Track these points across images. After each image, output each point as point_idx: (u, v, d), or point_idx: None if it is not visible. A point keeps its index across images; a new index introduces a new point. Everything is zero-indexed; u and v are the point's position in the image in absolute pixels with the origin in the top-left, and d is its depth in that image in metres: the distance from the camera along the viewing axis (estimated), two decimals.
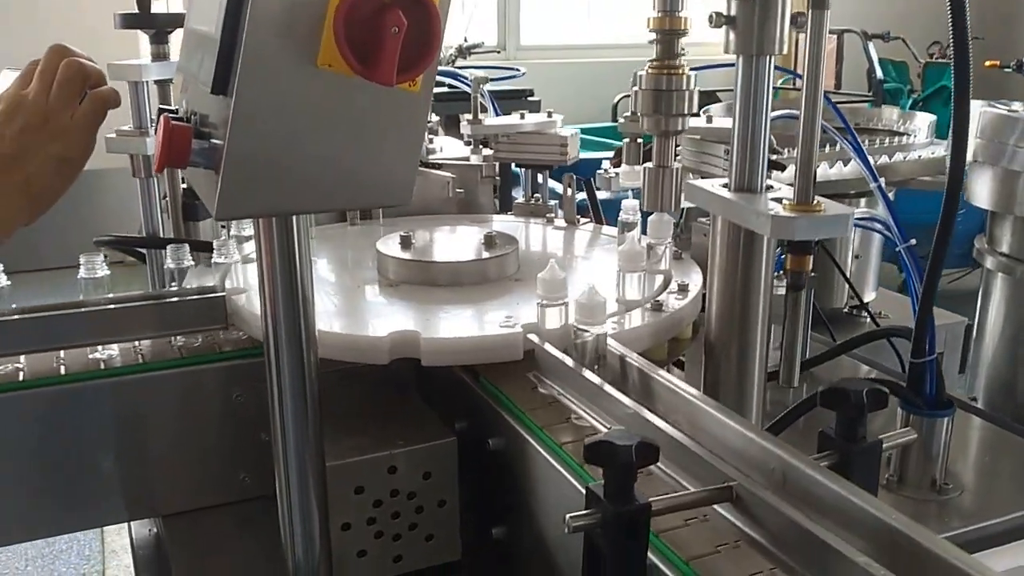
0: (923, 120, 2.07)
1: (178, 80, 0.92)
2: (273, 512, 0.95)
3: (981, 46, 6.27)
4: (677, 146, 1.29)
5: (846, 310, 2.02)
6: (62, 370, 1.15)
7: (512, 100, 4.55)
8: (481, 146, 1.74)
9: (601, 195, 1.69)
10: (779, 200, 1.00)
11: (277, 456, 0.90)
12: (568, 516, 0.72)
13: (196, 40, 0.83)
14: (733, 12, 1.05)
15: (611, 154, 1.77)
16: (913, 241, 1.25)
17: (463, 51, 4.83)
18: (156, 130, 0.74)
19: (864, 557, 0.68)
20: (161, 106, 0.86)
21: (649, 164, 1.28)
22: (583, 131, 5.73)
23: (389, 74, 0.67)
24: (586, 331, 1.05)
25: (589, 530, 0.73)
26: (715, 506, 0.80)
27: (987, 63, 5.49)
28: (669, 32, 1.19)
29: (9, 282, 1.18)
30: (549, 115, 1.66)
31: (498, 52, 6.23)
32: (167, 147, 0.71)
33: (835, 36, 5.95)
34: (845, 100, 5.87)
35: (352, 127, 0.72)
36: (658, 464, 0.85)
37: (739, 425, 0.85)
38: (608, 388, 0.96)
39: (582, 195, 1.67)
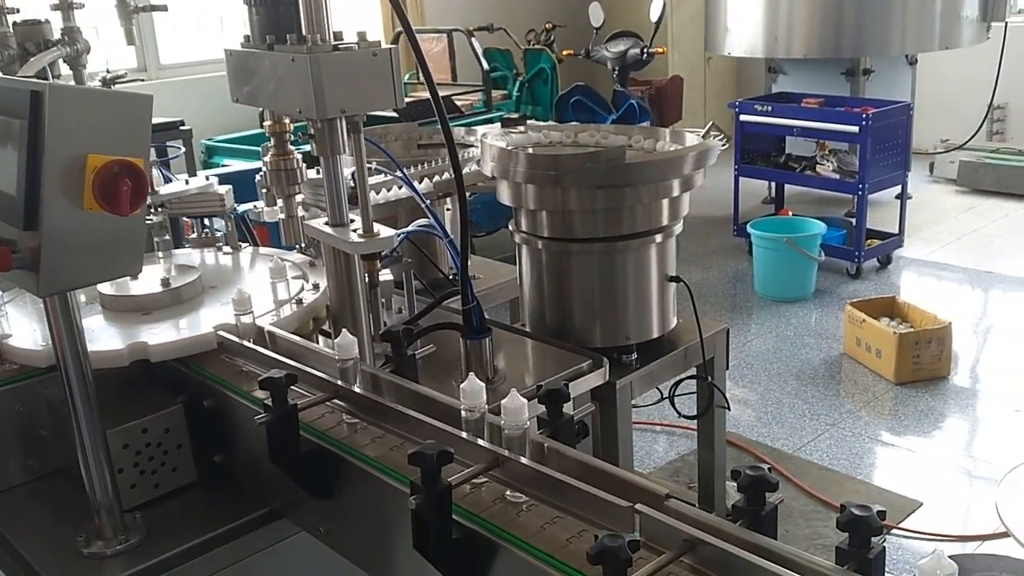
0: (480, 133, 2.91)
1: None
2: (55, 482, 1.52)
3: (563, 33, 7.48)
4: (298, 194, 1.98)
5: (451, 277, 2.83)
6: None
7: (165, 131, 4.98)
8: (159, 207, 2.31)
9: None
10: (356, 230, 1.73)
11: (78, 434, 1.49)
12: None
13: None
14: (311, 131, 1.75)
15: (259, 165, 2.35)
16: (451, 237, 2.03)
17: (107, 83, 5.14)
18: None
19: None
20: None
21: (282, 216, 1.97)
22: (234, 140, 6.18)
23: (125, 210, 1.30)
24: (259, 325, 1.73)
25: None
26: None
27: (565, 52, 6.67)
28: (279, 133, 1.89)
29: None
30: (207, 178, 2.29)
31: (143, 77, 6.49)
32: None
33: (444, 36, 6.87)
34: (461, 91, 6.84)
35: (106, 235, 1.34)
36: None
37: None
38: (278, 356, 1.64)
39: None
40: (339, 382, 1.48)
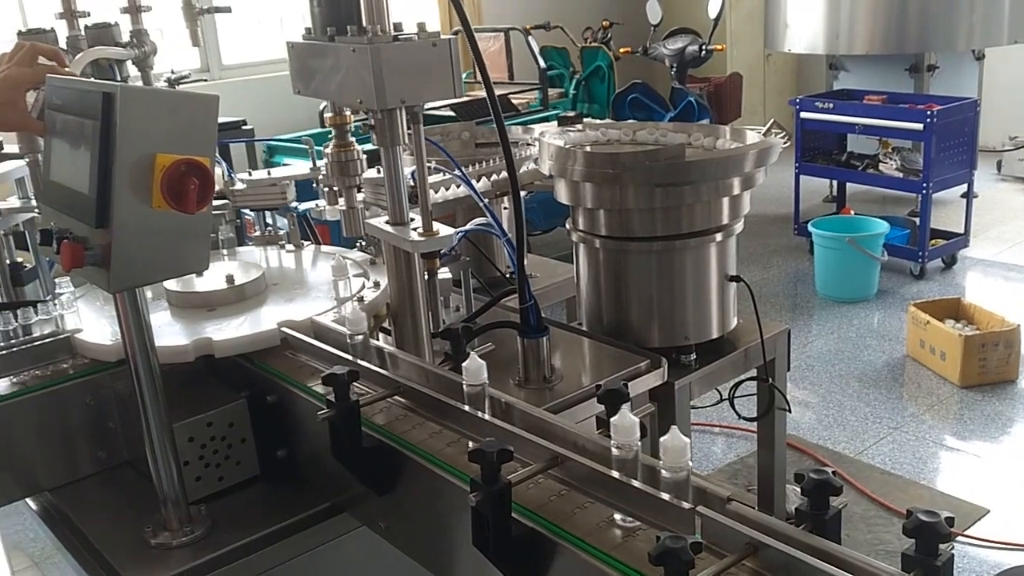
0: (537, 131, 2.91)
1: (46, 211, 1.51)
2: (123, 474, 1.56)
3: (620, 31, 7.44)
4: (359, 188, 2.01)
5: (508, 275, 2.83)
6: None
7: (227, 131, 5.06)
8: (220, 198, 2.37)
9: None
10: (416, 229, 1.74)
11: (146, 427, 1.53)
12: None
13: (62, 191, 1.43)
14: (372, 122, 1.77)
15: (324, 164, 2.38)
16: (509, 236, 2.03)
17: (172, 83, 5.25)
18: (58, 248, 1.35)
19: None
20: (42, 228, 1.44)
21: (344, 207, 1.99)
22: (294, 139, 6.27)
23: (192, 208, 1.33)
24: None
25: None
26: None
27: (622, 50, 6.64)
28: (340, 125, 1.91)
29: None
30: (268, 173, 2.33)
31: (206, 77, 6.61)
32: (72, 257, 1.33)
33: (501, 34, 6.88)
34: (517, 90, 6.85)
35: (174, 233, 1.37)
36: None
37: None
38: (340, 353, 1.66)
39: None
40: (466, 407, 1.45)
